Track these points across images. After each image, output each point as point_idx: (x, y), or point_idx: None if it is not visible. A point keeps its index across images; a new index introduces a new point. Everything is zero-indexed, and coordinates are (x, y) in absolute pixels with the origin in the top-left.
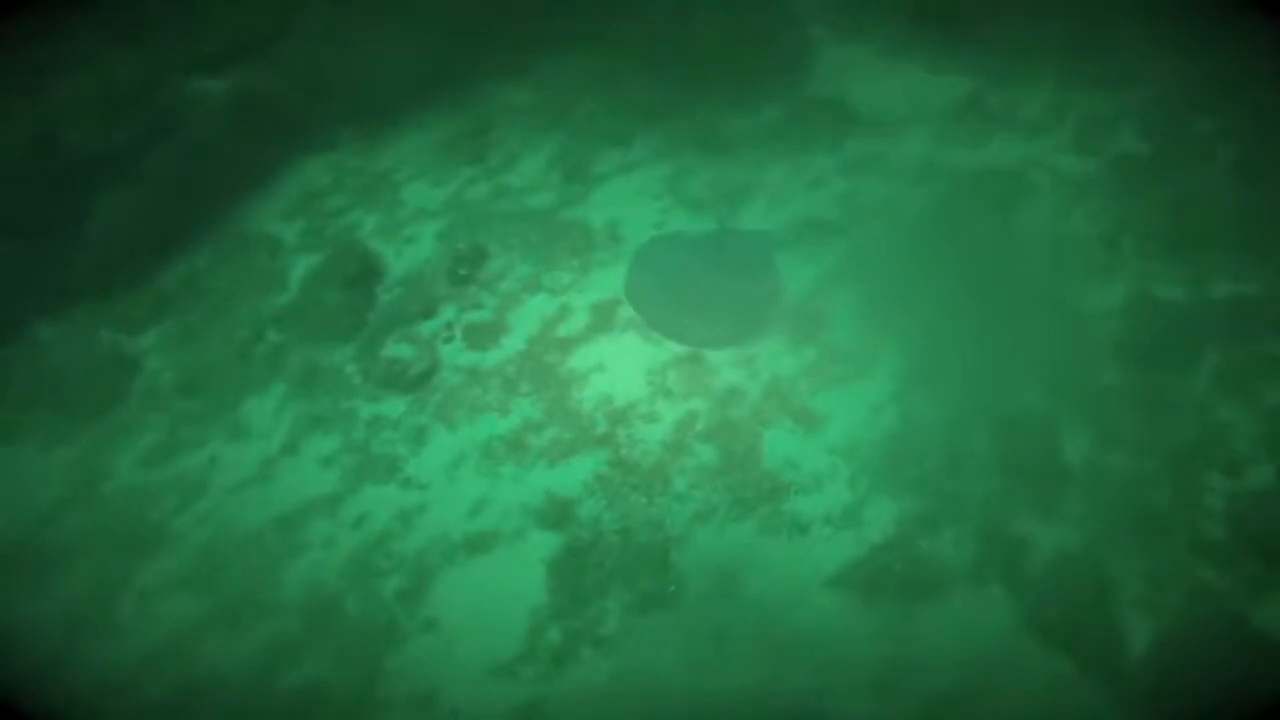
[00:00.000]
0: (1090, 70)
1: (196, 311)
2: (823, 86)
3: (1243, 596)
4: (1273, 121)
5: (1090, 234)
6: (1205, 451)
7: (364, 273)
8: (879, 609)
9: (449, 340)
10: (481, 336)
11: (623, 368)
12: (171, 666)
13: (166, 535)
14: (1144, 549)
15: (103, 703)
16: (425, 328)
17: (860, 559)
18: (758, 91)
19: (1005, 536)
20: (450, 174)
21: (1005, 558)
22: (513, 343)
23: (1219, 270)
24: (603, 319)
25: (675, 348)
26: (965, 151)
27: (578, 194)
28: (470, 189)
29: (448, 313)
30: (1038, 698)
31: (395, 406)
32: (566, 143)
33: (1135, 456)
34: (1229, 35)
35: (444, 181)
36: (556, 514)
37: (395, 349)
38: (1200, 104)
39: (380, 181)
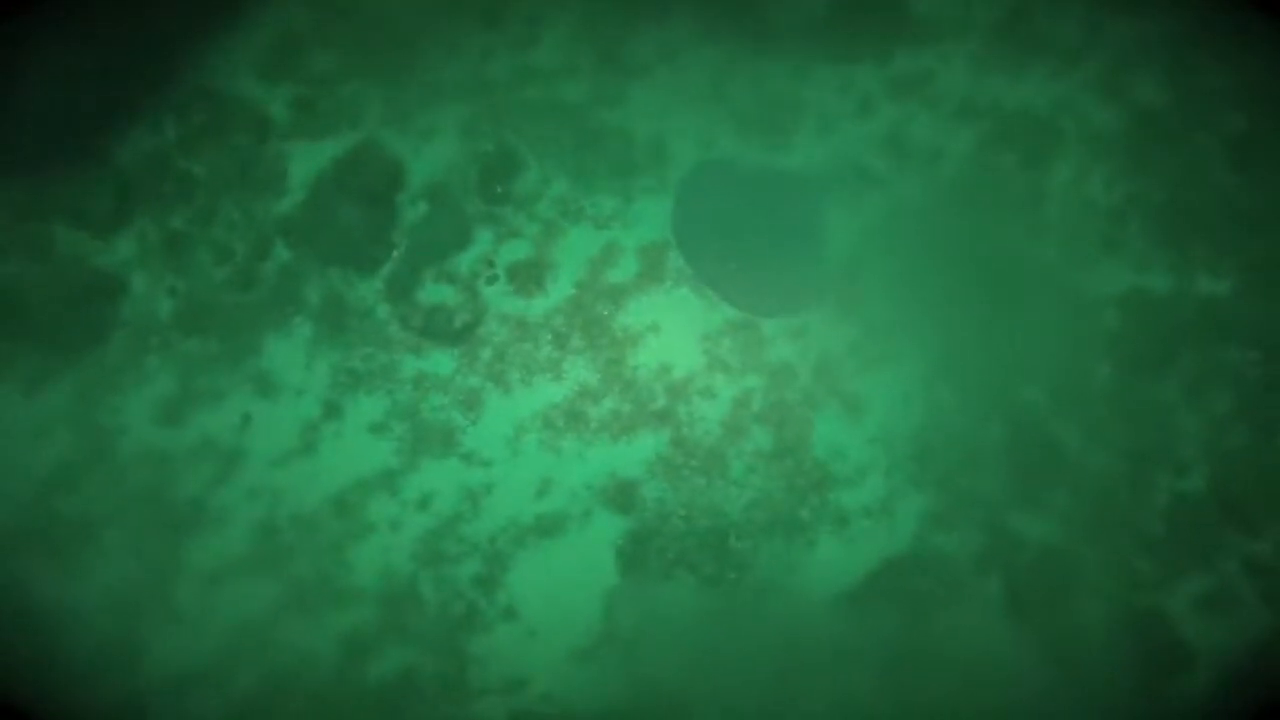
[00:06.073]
0: None
1: (176, 208)
2: None
3: (1165, 587)
4: None
5: (1103, 205)
6: (1161, 453)
7: (382, 179)
8: (899, 607)
9: (492, 281)
10: (525, 277)
11: (678, 330)
12: (253, 656)
13: (211, 511)
14: (1102, 541)
15: (185, 693)
16: (462, 262)
17: (891, 555)
18: None
19: (1005, 532)
20: (463, 37)
21: (1004, 552)
22: (559, 288)
23: (1201, 263)
24: (653, 266)
25: (728, 310)
26: (1005, 82)
27: (614, 88)
28: (490, 64)
29: (483, 240)
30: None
31: (442, 363)
32: (593, 4)
33: (1110, 456)
34: None
35: (458, 49)
36: (622, 496)
37: (435, 291)
38: (1220, 54)
39: (376, 33)
